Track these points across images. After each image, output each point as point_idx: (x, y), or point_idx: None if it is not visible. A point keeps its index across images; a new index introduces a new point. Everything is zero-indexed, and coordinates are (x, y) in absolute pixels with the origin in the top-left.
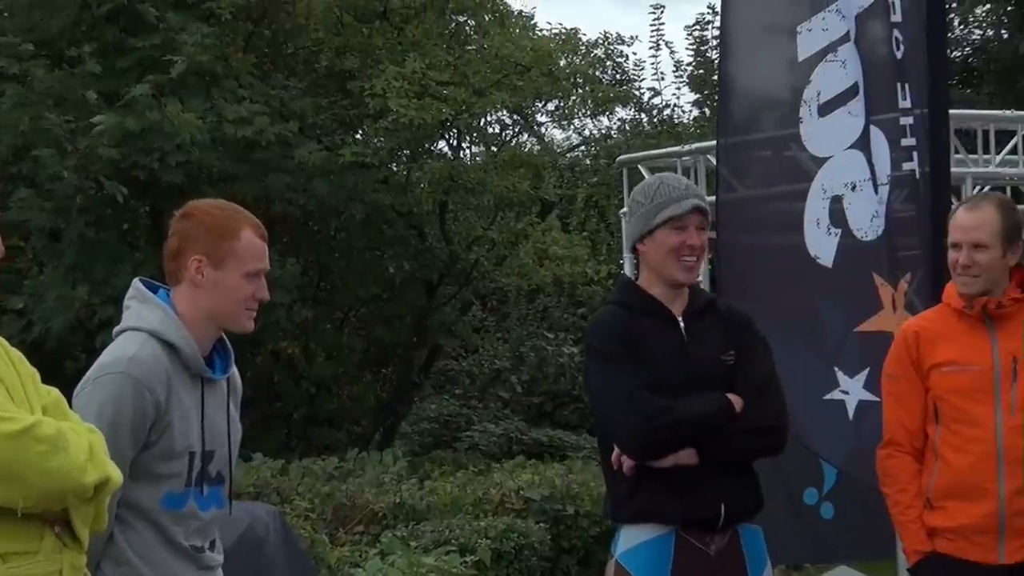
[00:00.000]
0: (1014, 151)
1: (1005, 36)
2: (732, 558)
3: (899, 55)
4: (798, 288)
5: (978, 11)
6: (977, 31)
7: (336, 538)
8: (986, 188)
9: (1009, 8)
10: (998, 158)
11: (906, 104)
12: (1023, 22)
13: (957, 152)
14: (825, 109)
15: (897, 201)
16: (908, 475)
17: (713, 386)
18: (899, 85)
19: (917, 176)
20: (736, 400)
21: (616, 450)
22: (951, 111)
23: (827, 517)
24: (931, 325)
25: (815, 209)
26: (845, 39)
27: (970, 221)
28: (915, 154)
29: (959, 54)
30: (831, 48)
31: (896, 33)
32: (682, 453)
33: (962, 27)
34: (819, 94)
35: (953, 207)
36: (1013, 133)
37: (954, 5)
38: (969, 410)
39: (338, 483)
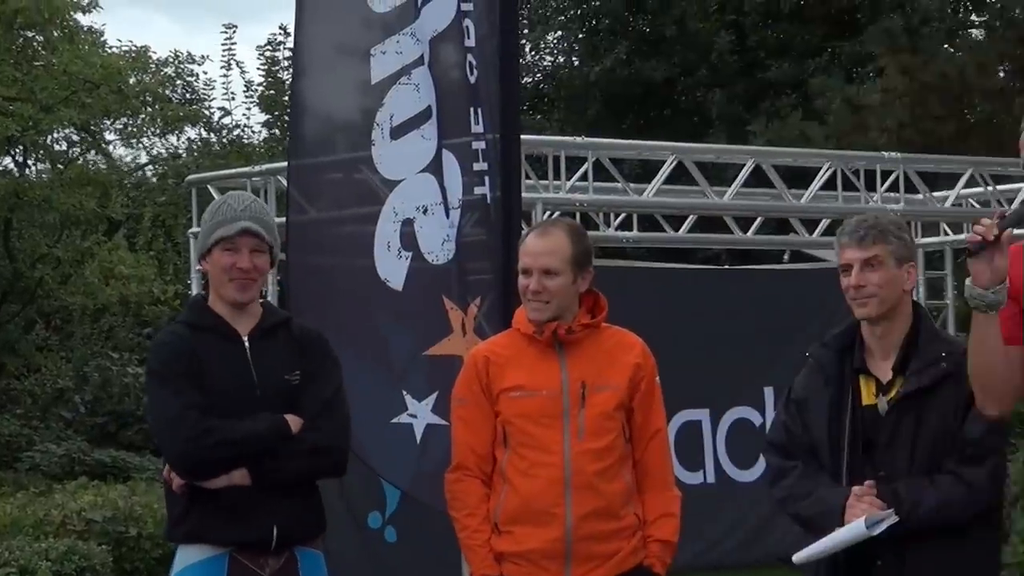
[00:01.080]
0: (584, 177)
1: (575, 63)
2: None
3: (473, 80)
4: (367, 311)
5: (549, 38)
6: (548, 57)
7: None
8: (556, 213)
9: (580, 36)
10: (568, 184)
11: (479, 129)
12: (593, 50)
13: (528, 177)
14: (398, 132)
15: (468, 225)
16: (476, 499)
17: (276, 406)
18: (472, 110)
19: (488, 200)
20: (294, 420)
21: (167, 468)
22: (523, 136)
23: (391, 541)
24: (501, 350)
25: (386, 232)
26: (419, 62)
27: (540, 247)
28: (487, 179)
29: (530, 80)
30: (405, 71)
31: (470, 58)
32: (235, 474)
33: (533, 53)
34: (392, 117)
35: (524, 232)
36: (583, 159)
37: (526, 31)
38: (538, 435)
39: None
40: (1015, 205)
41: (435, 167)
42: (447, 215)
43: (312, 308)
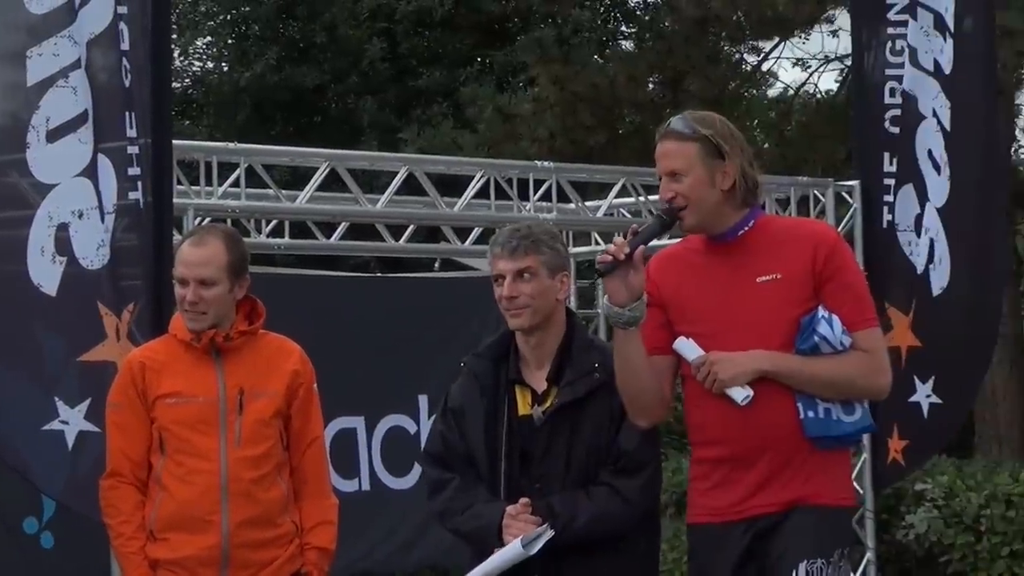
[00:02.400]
0: (236, 183)
1: (225, 69)
2: None
3: (127, 83)
4: (18, 317)
5: (199, 43)
6: (197, 63)
7: None
8: (207, 219)
9: (230, 41)
10: (220, 190)
11: (132, 133)
12: (243, 56)
13: (180, 183)
14: (54, 135)
15: (119, 230)
16: (131, 506)
17: None
18: (127, 114)
19: (141, 206)
20: None
21: None
22: (175, 142)
23: (47, 547)
24: (157, 355)
25: (40, 237)
26: (77, 65)
27: (196, 257)
28: (140, 183)
29: (179, 85)
30: (62, 74)
31: (125, 61)
32: None
33: (183, 58)
34: (48, 120)
35: (179, 240)
36: (235, 166)
37: (175, 36)
38: (194, 441)
39: None
40: (648, 222)
41: (91, 171)
42: (102, 220)
43: None
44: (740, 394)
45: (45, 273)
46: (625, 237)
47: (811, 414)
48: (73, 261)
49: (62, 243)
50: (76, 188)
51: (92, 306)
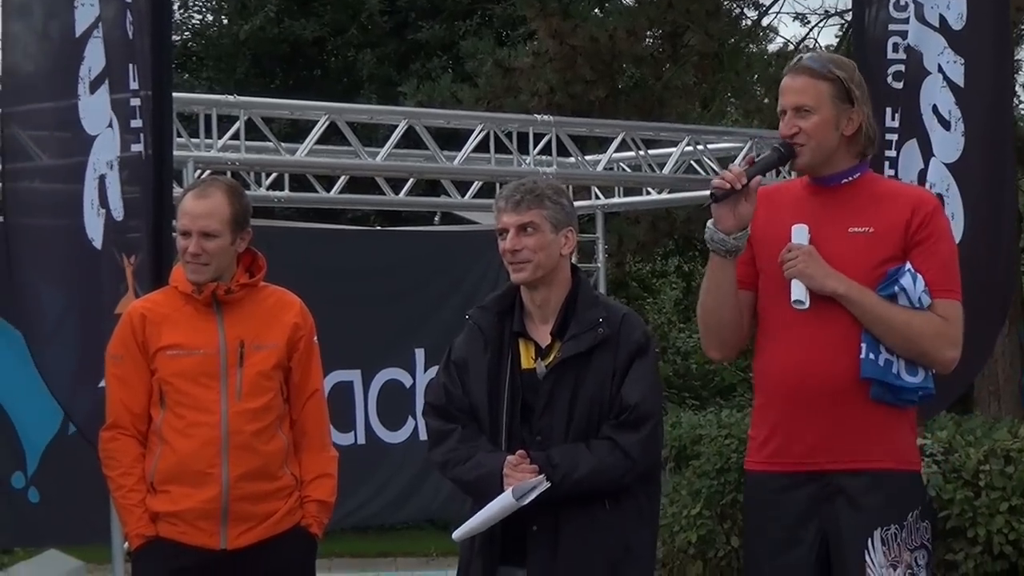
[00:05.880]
0: (236, 136)
1: (224, 21)
2: None
3: (131, 35)
4: (73, 271)
5: None
6: (197, 16)
7: None
8: (207, 172)
9: None
10: (220, 142)
11: (135, 85)
12: (243, 8)
13: (180, 135)
14: (94, 86)
15: (123, 182)
16: (131, 458)
17: None
18: (129, 66)
19: (143, 158)
20: None
21: None
22: (175, 94)
23: (34, 501)
24: (158, 307)
25: (90, 190)
26: (101, 17)
27: (199, 209)
28: (142, 136)
29: (178, 38)
30: (96, 24)
31: (128, 13)
32: None
33: (182, 11)
34: (90, 70)
35: (182, 192)
36: (235, 118)
37: None
38: (195, 394)
39: None
40: (764, 153)
41: (111, 123)
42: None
43: (29, 269)
44: (799, 292)
45: (94, 226)
46: (745, 166)
47: (872, 356)
48: (108, 213)
49: (102, 194)
50: (109, 139)
51: (120, 258)
